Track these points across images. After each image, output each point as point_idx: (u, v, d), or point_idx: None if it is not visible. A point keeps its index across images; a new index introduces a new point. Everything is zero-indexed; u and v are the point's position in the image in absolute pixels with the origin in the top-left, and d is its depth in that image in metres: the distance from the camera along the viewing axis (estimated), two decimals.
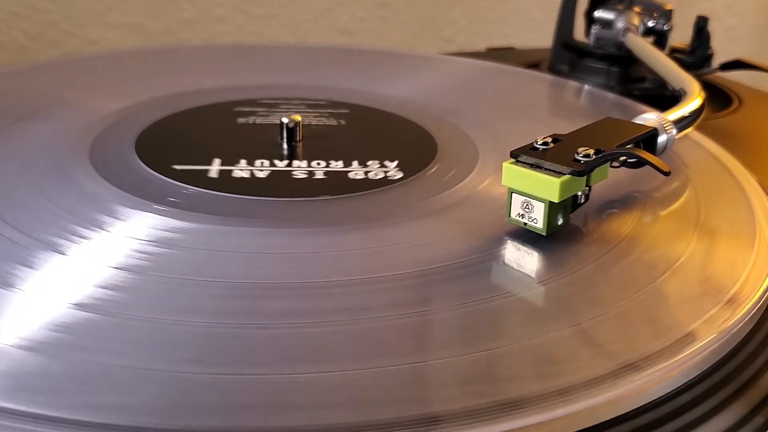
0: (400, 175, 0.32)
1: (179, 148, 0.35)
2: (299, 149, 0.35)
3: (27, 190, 0.30)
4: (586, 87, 0.49)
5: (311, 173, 0.32)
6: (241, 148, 0.35)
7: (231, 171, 0.32)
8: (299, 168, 0.33)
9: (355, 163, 0.33)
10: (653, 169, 0.28)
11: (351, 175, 0.32)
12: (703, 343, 0.22)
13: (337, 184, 0.31)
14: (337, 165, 0.33)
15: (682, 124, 0.34)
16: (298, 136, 0.36)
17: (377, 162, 0.34)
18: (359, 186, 0.31)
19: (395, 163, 0.33)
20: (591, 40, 0.52)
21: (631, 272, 0.26)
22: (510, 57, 0.59)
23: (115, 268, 0.25)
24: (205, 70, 0.48)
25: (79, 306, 0.23)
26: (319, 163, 0.33)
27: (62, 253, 0.25)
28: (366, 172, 0.33)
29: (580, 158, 0.27)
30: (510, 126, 0.41)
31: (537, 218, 0.27)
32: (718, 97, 0.52)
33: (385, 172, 0.33)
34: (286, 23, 0.78)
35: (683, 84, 0.40)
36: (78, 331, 0.22)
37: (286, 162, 0.33)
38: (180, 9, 0.73)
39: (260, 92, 0.43)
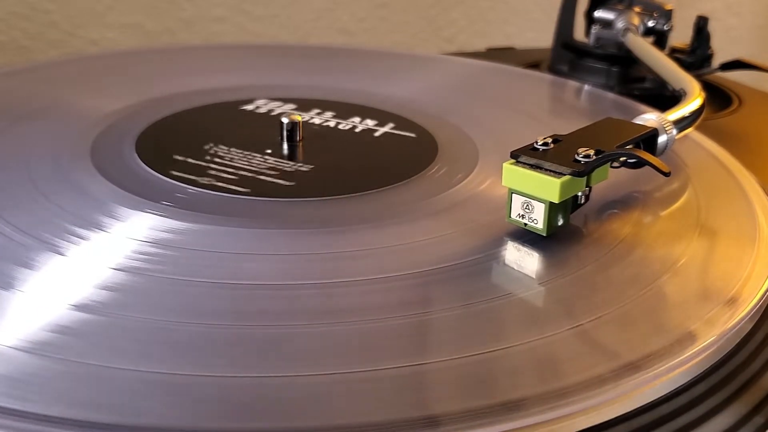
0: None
1: (180, 149, 0.35)
2: (300, 149, 0.35)
3: (27, 190, 0.30)
4: (586, 87, 0.49)
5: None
6: (241, 148, 0.35)
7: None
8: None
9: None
10: (653, 170, 0.28)
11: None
12: (704, 343, 0.22)
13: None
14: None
15: (682, 124, 0.34)
16: (298, 136, 0.36)
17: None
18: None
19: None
20: (591, 40, 0.52)
21: (632, 273, 0.26)
22: (510, 57, 0.59)
23: (114, 269, 0.25)
24: (205, 70, 0.48)
25: (79, 307, 0.23)
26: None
27: (62, 254, 0.25)
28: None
29: (581, 159, 0.27)
30: (510, 126, 0.41)
31: (537, 219, 0.27)
32: (718, 97, 0.52)
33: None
34: (287, 23, 0.78)
35: (683, 84, 0.40)
36: (77, 332, 0.22)
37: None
38: (180, 9, 0.73)
39: (260, 92, 0.43)
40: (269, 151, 0.35)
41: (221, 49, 0.56)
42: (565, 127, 0.30)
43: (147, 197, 0.29)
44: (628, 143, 0.30)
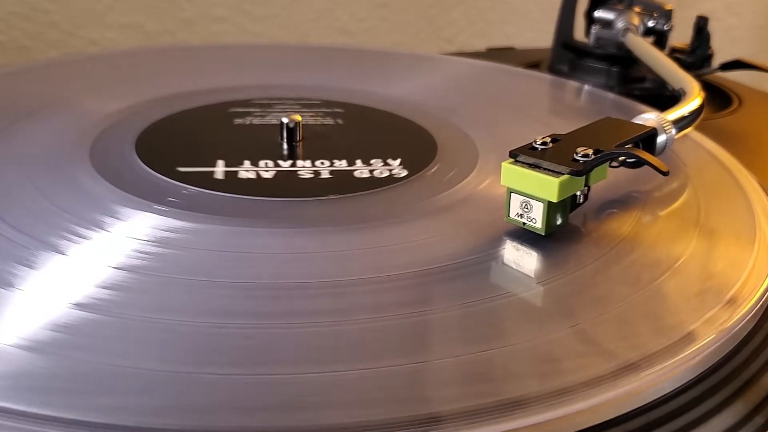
0: (405, 173, 0.32)
1: (180, 148, 0.35)
2: (300, 149, 0.35)
3: (27, 190, 0.30)
4: (586, 87, 0.49)
5: (317, 173, 0.32)
6: (241, 148, 0.35)
7: (232, 171, 0.32)
8: (303, 168, 0.33)
9: (358, 162, 0.33)
10: (652, 169, 0.28)
11: (356, 174, 0.32)
12: (703, 343, 0.22)
13: (342, 183, 0.31)
14: (341, 164, 0.33)
15: (681, 124, 0.34)
16: (298, 136, 0.36)
17: (380, 160, 0.34)
18: (365, 185, 0.31)
19: (398, 161, 0.33)
20: (591, 40, 0.52)
21: (631, 272, 0.26)
22: (510, 57, 0.59)
23: (115, 268, 0.25)
24: (205, 70, 0.49)
25: (79, 306, 0.23)
26: (323, 163, 0.33)
27: (62, 253, 0.26)
28: (371, 171, 0.33)
29: (579, 158, 0.27)
30: (510, 126, 0.41)
31: (536, 218, 0.27)
32: (718, 97, 0.52)
33: (390, 170, 0.33)
34: (286, 23, 0.78)
35: (683, 84, 0.40)
36: (78, 331, 0.22)
37: (289, 162, 0.33)
38: (180, 9, 0.73)
39: (260, 92, 0.43)
40: (269, 150, 0.35)
41: (221, 49, 0.56)
42: (565, 127, 0.30)
43: (147, 197, 0.29)
44: (627, 143, 0.30)
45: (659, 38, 0.52)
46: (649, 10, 0.51)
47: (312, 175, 0.32)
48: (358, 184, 0.31)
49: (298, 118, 0.36)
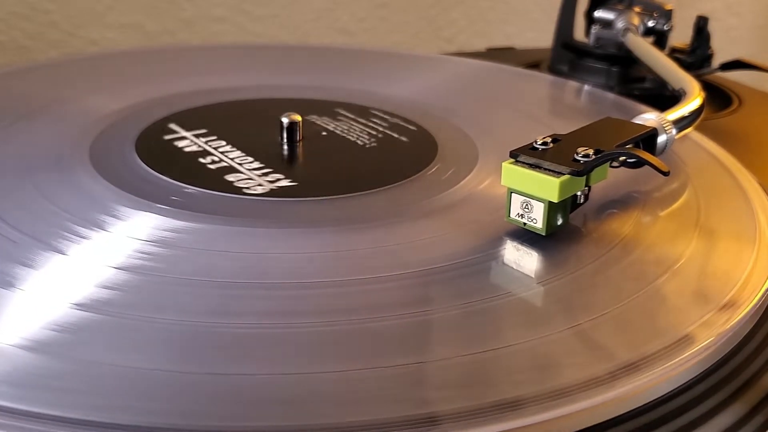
0: (266, 191, 0.30)
1: (179, 147, 0.35)
2: (300, 149, 0.35)
3: (27, 190, 0.30)
4: (586, 87, 0.49)
5: (215, 161, 0.33)
6: (241, 148, 0.35)
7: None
8: (222, 158, 0.33)
9: (265, 170, 0.32)
10: (652, 169, 0.28)
11: (228, 176, 0.32)
12: (702, 345, 0.22)
13: (207, 177, 0.31)
14: (251, 165, 0.33)
15: (681, 124, 0.34)
16: (298, 135, 0.36)
17: (281, 176, 0.32)
18: (219, 186, 0.31)
19: (293, 184, 0.31)
20: (591, 40, 0.52)
21: (631, 273, 0.26)
22: (510, 57, 0.59)
23: (115, 267, 0.25)
24: (205, 70, 0.49)
25: (79, 306, 0.23)
26: (251, 162, 0.33)
27: (62, 253, 0.26)
28: (246, 180, 0.31)
29: (580, 158, 0.27)
30: (510, 126, 0.41)
31: (536, 218, 0.27)
32: (718, 97, 0.52)
33: (260, 185, 0.31)
34: (286, 23, 0.78)
35: (683, 84, 0.40)
36: (78, 331, 0.22)
37: (225, 150, 0.34)
38: (180, 9, 0.73)
39: (259, 92, 0.43)
40: (269, 150, 0.35)
41: (221, 49, 0.56)
42: (565, 127, 0.30)
43: (147, 197, 0.29)
44: (627, 143, 0.30)
45: (659, 38, 0.52)
46: (649, 10, 0.51)
47: (211, 165, 0.33)
48: (357, 183, 0.31)
49: (297, 117, 0.36)
